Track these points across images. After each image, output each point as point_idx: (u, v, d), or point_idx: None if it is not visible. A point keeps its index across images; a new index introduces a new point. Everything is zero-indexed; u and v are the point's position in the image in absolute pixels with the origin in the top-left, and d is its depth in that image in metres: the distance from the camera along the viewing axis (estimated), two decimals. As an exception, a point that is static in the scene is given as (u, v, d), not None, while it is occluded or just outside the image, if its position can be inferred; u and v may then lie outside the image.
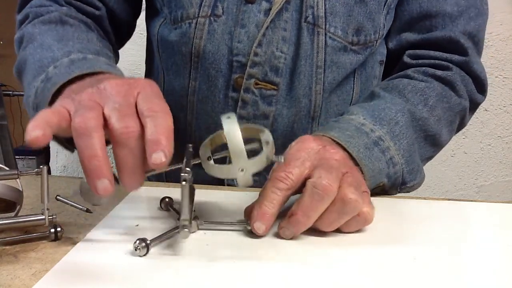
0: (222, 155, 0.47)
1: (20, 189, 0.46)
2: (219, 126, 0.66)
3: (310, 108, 0.67)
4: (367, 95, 0.69)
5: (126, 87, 0.43)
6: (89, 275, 0.38)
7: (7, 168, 0.45)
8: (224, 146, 0.46)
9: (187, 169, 0.42)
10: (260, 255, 0.42)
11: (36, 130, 0.37)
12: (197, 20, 0.65)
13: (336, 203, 0.45)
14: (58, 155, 1.65)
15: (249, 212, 0.47)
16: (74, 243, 0.43)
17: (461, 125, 0.73)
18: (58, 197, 0.51)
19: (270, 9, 0.63)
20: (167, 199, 0.52)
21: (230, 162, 0.43)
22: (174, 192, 0.55)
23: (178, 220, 0.46)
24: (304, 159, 0.47)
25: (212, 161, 0.46)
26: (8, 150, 1.73)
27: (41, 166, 0.41)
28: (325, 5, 0.63)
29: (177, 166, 0.44)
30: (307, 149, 0.49)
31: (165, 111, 0.41)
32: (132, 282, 0.37)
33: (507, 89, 1.56)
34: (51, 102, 0.49)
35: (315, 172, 0.46)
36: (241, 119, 0.66)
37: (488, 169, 1.61)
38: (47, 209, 0.43)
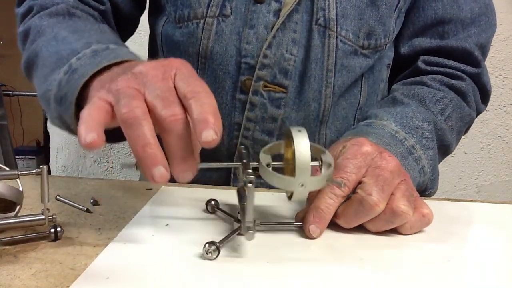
0: (279, 165, 0.47)
1: (20, 189, 0.46)
2: (227, 129, 0.65)
3: (319, 112, 0.66)
4: (388, 99, 0.69)
5: (161, 69, 0.42)
6: (122, 276, 0.37)
7: (7, 168, 0.45)
8: (279, 157, 0.47)
9: (249, 171, 0.42)
10: (318, 255, 0.43)
11: (90, 133, 0.36)
12: (205, 20, 0.64)
13: (387, 212, 0.45)
14: (58, 155, 1.65)
15: (301, 216, 0.48)
16: (74, 243, 0.43)
17: (463, 135, 0.75)
18: (58, 197, 0.51)
19: (279, 10, 0.63)
20: (212, 202, 0.51)
21: (288, 174, 0.44)
22: (205, 193, 0.56)
23: (236, 222, 0.46)
24: (361, 166, 0.47)
25: (271, 169, 0.45)
26: (8, 150, 1.73)
27: (41, 166, 0.41)
28: (336, 8, 0.63)
29: (209, 166, 0.44)
30: (363, 154, 0.48)
31: (207, 90, 0.40)
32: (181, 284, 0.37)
33: (507, 89, 1.56)
34: (79, 95, 0.48)
35: (367, 185, 0.46)
36: (248, 121, 0.65)
37: (488, 169, 1.61)
38: (47, 209, 0.43)
